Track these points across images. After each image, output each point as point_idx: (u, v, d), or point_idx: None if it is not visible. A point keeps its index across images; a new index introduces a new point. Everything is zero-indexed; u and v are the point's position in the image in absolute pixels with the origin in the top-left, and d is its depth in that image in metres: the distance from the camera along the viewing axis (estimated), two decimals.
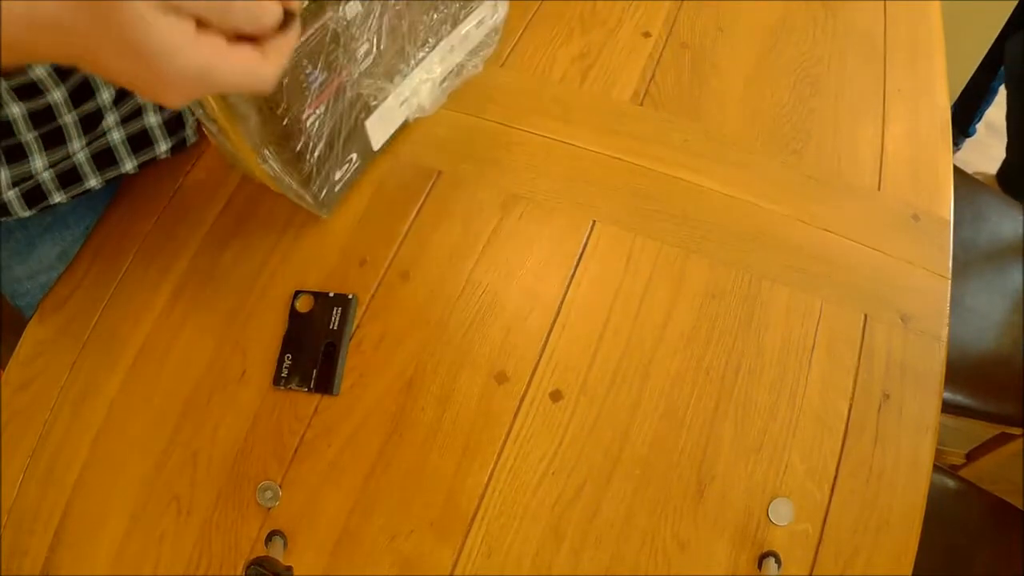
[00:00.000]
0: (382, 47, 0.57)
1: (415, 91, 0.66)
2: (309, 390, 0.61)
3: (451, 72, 0.69)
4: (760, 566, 0.56)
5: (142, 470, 0.59)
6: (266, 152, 0.57)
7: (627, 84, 0.77)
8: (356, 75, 0.57)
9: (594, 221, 0.69)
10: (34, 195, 0.61)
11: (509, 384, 0.61)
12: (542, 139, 0.73)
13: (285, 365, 0.62)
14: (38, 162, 0.59)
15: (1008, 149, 1.64)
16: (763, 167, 0.73)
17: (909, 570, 0.57)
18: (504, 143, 0.73)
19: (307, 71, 0.52)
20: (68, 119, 0.58)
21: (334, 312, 0.63)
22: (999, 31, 1.47)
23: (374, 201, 0.69)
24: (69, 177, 0.62)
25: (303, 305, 0.64)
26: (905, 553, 0.57)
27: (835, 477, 0.59)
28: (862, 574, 0.56)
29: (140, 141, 0.64)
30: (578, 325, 0.64)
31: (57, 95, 0.56)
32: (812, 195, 0.71)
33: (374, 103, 0.62)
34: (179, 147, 0.68)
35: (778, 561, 0.55)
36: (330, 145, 0.60)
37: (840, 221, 0.70)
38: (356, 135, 0.63)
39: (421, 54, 0.63)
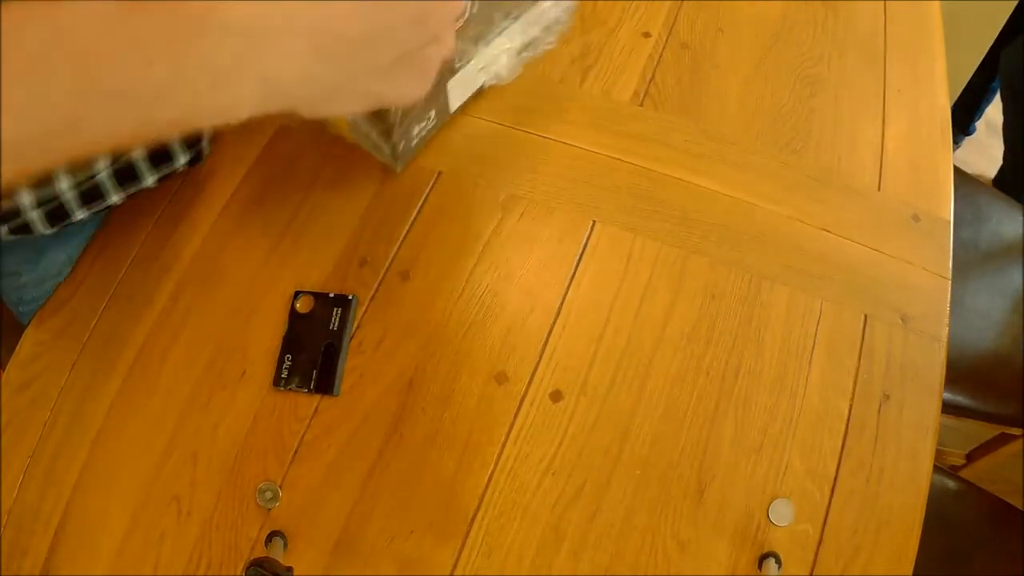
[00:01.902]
0: (474, 11, 0.60)
1: (495, 59, 0.68)
2: (309, 391, 0.61)
3: (529, 44, 0.70)
4: (760, 566, 0.56)
5: (142, 470, 0.59)
6: None
7: (627, 84, 0.77)
8: None
9: (594, 221, 0.69)
10: (57, 214, 0.61)
11: (509, 384, 0.61)
12: (542, 139, 0.73)
13: (285, 366, 0.62)
14: (64, 183, 0.59)
15: (1005, 157, 1.64)
16: (763, 167, 0.73)
17: (909, 570, 0.57)
18: (504, 143, 0.73)
19: None
20: None
21: (334, 312, 0.63)
22: (999, 31, 1.47)
23: (374, 201, 0.69)
24: (92, 195, 0.62)
25: (303, 305, 0.64)
26: (905, 553, 0.57)
27: (835, 477, 0.59)
28: (862, 574, 0.56)
29: (160, 156, 0.65)
30: (578, 325, 0.64)
31: None
32: (812, 195, 0.71)
33: (458, 64, 0.64)
34: (195, 160, 0.68)
35: (778, 561, 0.55)
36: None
37: (840, 221, 0.70)
38: (437, 93, 0.65)
39: (505, 23, 0.66)
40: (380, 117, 0.61)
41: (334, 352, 0.62)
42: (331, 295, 0.64)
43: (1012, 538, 0.91)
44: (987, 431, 1.16)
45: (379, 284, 0.65)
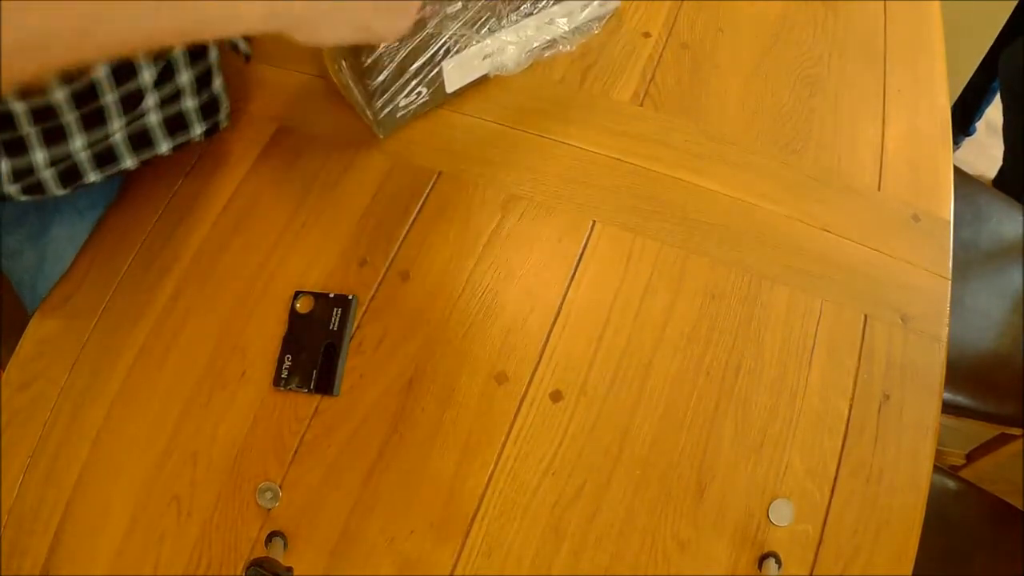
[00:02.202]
0: None
1: (501, 49, 0.68)
2: (309, 391, 0.61)
3: (543, 43, 0.71)
4: (760, 566, 0.56)
5: (142, 470, 0.59)
6: (342, 63, 0.64)
7: (627, 84, 0.77)
8: (440, 15, 0.60)
9: (594, 221, 0.69)
10: (70, 174, 0.62)
11: (509, 384, 0.61)
12: (542, 139, 0.73)
13: (285, 366, 0.62)
14: (78, 142, 0.60)
15: (1005, 157, 1.64)
16: (763, 167, 0.73)
17: (909, 570, 0.57)
18: (504, 143, 0.73)
19: None
20: (110, 99, 0.59)
21: (334, 313, 0.63)
22: (999, 31, 1.47)
23: (374, 201, 0.69)
24: (105, 157, 0.63)
25: (303, 306, 0.64)
26: (905, 553, 0.57)
27: (835, 477, 0.59)
28: (862, 574, 0.56)
29: (176, 124, 0.66)
30: (578, 325, 0.64)
31: (100, 73, 0.57)
32: (812, 195, 0.71)
33: (455, 47, 0.65)
34: (212, 131, 0.69)
35: (778, 561, 0.55)
36: (400, 71, 0.64)
37: (840, 221, 0.70)
38: (430, 71, 0.66)
39: (515, 16, 0.66)
40: (362, 82, 0.63)
41: (334, 352, 0.62)
42: (331, 295, 0.64)
43: (1012, 538, 0.91)
44: (987, 431, 1.16)
45: (379, 284, 0.65)
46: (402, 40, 0.61)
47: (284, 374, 0.61)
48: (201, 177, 0.71)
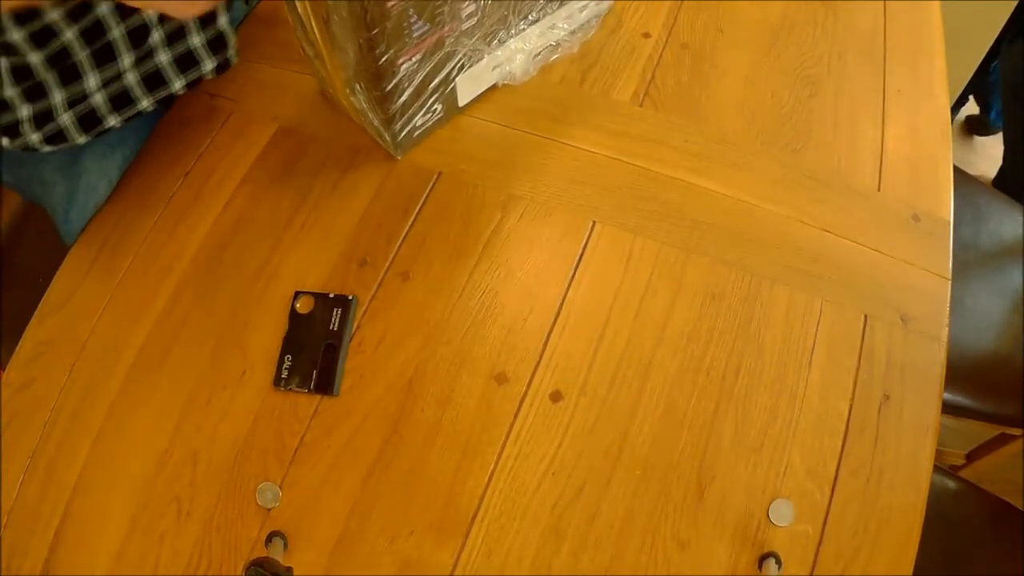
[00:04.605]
0: (486, 11, 0.60)
1: (509, 58, 0.68)
2: (309, 391, 0.61)
3: (547, 48, 0.71)
4: (760, 566, 0.56)
5: (142, 470, 0.59)
6: (357, 86, 0.61)
7: (627, 84, 0.77)
8: (457, 33, 0.60)
9: (594, 221, 0.69)
10: (89, 119, 0.64)
11: (509, 385, 0.61)
12: (542, 140, 0.73)
13: (285, 366, 0.62)
14: (91, 81, 0.62)
15: (1005, 157, 1.64)
16: (763, 167, 0.73)
17: (909, 570, 0.57)
18: (504, 143, 0.73)
19: (412, 19, 0.54)
20: (116, 33, 0.60)
21: (334, 313, 0.63)
22: (999, 31, 1.47)
23: (374, 201, 0.69)
24: (121, 100, 0.65)
25: (303, 306, 0.64)
26: (905, 553, 0.57)
27: (835, 477, 0.59)
28: (862, 574, 0.56)
29: (186, 61, 0.68)
30: (578, 325, 0.64)
31: (104, 8, 0.58)
32: (812, 195, 0.71)
33: (468, 62, 0.65)
34: (223, 67, 0.71)
35: (778, 562, 0.55)
36: (419, 93, 0.63)
37: (840, 221, 0.70)
38: (445, 88, 0.66)
39: (522, 25, 0.66)
40: (381, 105, 0.62)
41: (334, 352, 0.62)
42: (331, 295, 0.64)
43: (1012, 538, 0.91)
44: (987, 431, 1.16)
45: (379, 284, 0.65)
46: (421, 59, 0.60)
47: (284, 374, 0.61)
48: (201, 177, 0.71)
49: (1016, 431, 1.09)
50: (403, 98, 0.62)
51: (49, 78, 0.60)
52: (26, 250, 0.98)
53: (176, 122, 0.74)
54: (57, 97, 0.61)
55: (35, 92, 0.60)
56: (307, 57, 0.66)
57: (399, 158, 0.70)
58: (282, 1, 0.60)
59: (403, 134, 0.67)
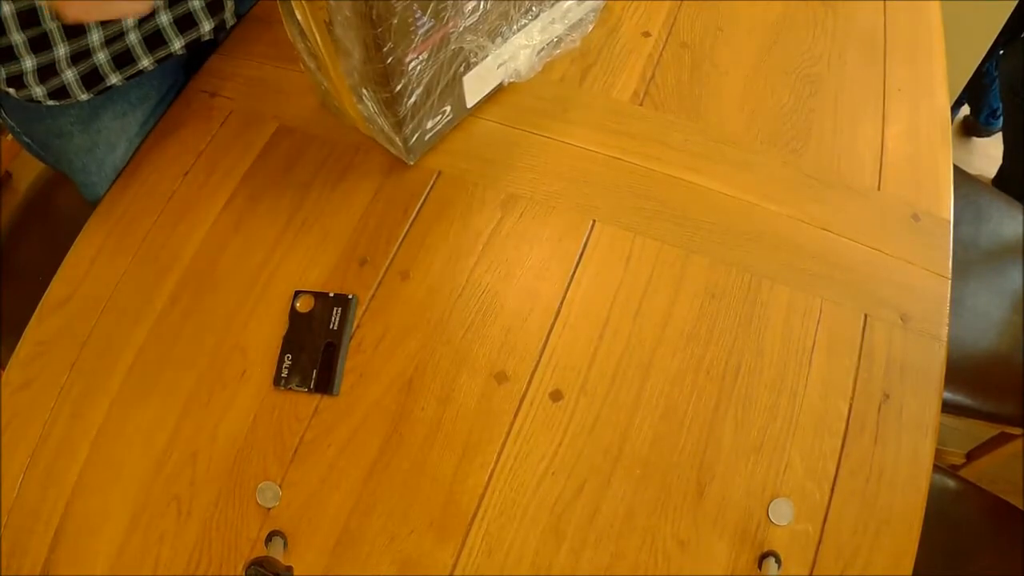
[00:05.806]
0: (488, 6, 0.60)
1: (513, 55, 0.68)
2: (309, 390, 0.61)
3: (549, 43, 0.71)
4: (760, 566, 0.56)
5: (142, 470, 0.59)
6: (364, 92, 0.61)
7: (627, 84, 0.77)
8: (461, 28, 0.59)
9: (594, 221, 0.69)
10: (91, 77, 0.66)
11: (509, 384, 0.61)
12: (542, 139, 0.73)
13: (285, 365, 0.62)
14: (95, 36, 0.63)
15: (1004, 157, 1.64)
16: (763, 167, 0.73)
17: (909, 570, 0.57)
18: (504, 142, 0.73)
19: (416, 15, 0.54)
20: None
21: (334, 312, 0.63)
22: (999, 31, 1.47)
23: (374, 200, 0.69)
24: (123, 59, 0.67)
25: (303, 305, 0.64)
26: (905, 553, 0.57)
27: (835, 477, 0.59)
28: (862, 574, 0.56)
29: (186, 22, 0.70)
30: (578, 325, 0.64)
31: None
32: (812, 195, 0.71)
33: (474, 60, 0.65)
34: (220, 28, 0.73)
35: (778, 561, 0.55)
36: (428, 93, 0.63)
37: (840, 221, 0.70)
38: (453, 88, 0.66)
39: (524, 20, 0.66)
40: (391, 108, 0.61)
41: (334, 352, 0.62)
42: (331, 295, 0.64)
43: (1012, 538, 0.91)
44: (987, 431, 1.16)
45: (379, 284, 0.65)
46: (428, 57, 0.59)
47: (284, 374, 0.61)
48: (201, 177, 0.71)
49: (1016, 431, 1.09)
50: (412, 99, 0.61)
51: (54, 27, 0.61)
52: (26, 250, 0.98)
53: (176, 121, 0.74)
54: (61, 51, 0.62)
55: (40, 43, 0.61)
56: (308, 70, 0.66)
57: (411, 163, 0.70)
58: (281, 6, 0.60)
59: (414, 138, 0.66)
